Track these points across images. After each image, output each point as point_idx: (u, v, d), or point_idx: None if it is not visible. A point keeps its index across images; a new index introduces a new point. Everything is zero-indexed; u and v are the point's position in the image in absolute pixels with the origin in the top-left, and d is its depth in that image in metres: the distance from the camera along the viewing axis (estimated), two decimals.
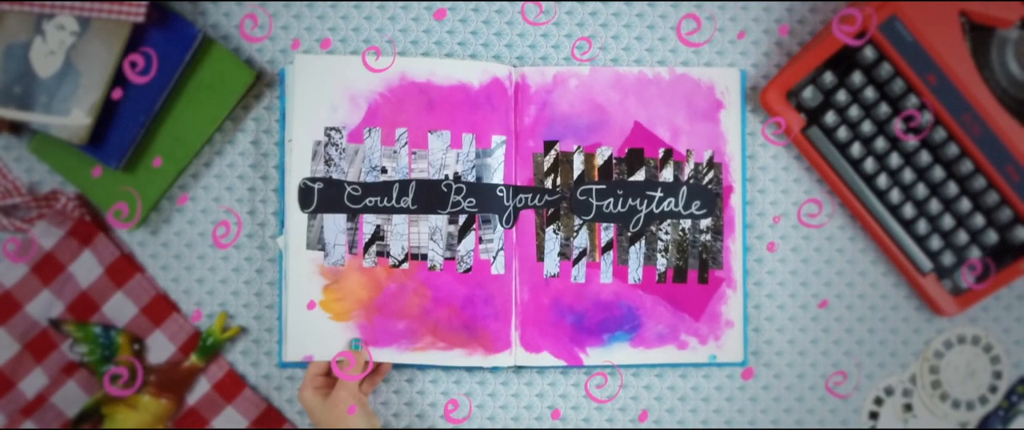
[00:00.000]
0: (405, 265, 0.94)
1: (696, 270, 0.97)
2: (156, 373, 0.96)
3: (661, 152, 0.97)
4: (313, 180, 0.93)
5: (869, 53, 0.93)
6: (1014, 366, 1.02)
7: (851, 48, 0.94)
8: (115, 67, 0.90)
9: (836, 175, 0.97)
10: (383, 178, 0.94)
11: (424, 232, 0.94)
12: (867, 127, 0.95)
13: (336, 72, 0.93)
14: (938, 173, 0.96)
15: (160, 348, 0.96)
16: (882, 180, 0.96)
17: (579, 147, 0.97)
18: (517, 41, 0.98)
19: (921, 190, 0.96)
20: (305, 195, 0.93)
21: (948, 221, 0.96)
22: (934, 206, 0.96)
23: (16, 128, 0.95)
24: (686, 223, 0.97)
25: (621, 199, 0.97)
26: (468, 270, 0.94)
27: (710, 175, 0.97)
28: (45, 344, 0.95)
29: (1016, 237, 0.96)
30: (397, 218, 0.94)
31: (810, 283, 1.00)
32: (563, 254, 0.96)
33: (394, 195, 0.94)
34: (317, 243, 0.93)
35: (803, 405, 1.00)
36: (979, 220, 0.96)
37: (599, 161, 0.97)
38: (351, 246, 0.93)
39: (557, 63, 0.98)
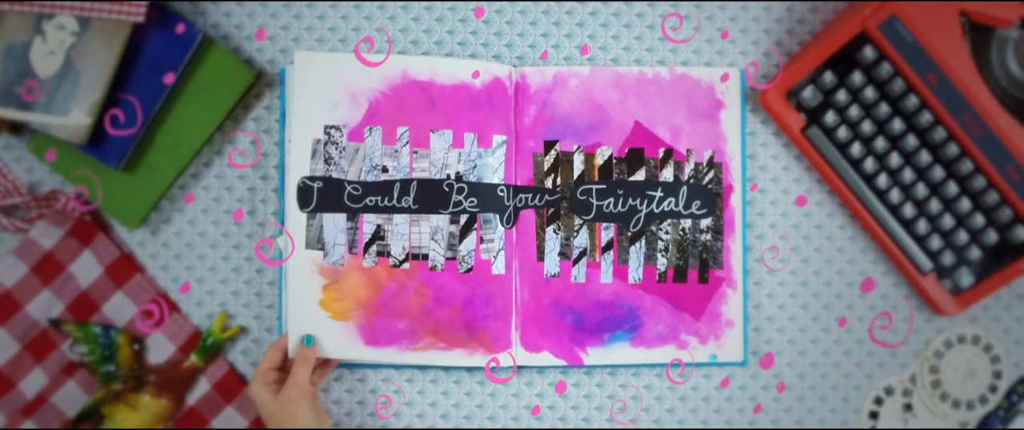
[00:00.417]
0: (406, 265, 0.94)
1: (696, 270, 0.97)
2: (156, 373, 0.95)
3: (661, 152, 0.97)
4: (312, 179, 0.93)
5: (869, 53, 0.94)
6: (1014, 366, 1.02)
7: (851, 48, 0.94)
8: (115, 67, 0.90)
9: (836, 175, 0.97)
10: (384, 177, 0.94)
11: (425, 232, 0.94)
12: (867, 127, 0.96)
13: (336, 70, 0.93)
14: (938, 173, 0.96)
15: (160, 348, 0.96)
16: (882, 180, 0.96)
17: (579, 147, 0.97)
18: (517, 41, 0.98)
19: (921, 190, 0.96)
20: (304, 194, 0.93)
21: (948, 221, 0.97)
22: (934, 206, 0.96)
23: (16, 128, 0.95)
24: (686, 223, 0.97)
25: (621, 199, 0.97)
26: (469, 270, 0.94)
27: (710, 175, 0.98)
28: (45, 344, 0.95)
29: (1016, 237, 0.96)
30: (398, 218, 0.94)
31: (810, 283, 1.00)
32: (563, 254, 0.96)
33: (395, 194, 0.94)
34: (317, 242, 0.93)
35: (803, 405, 1.00)
36: (979, 220, 0.96)
37: (599, 161, 0.97)
38: (351, 246, 0.93)
39: (557, 63, 0.98)
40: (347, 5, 0.97)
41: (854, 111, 0.95)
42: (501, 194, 0.95)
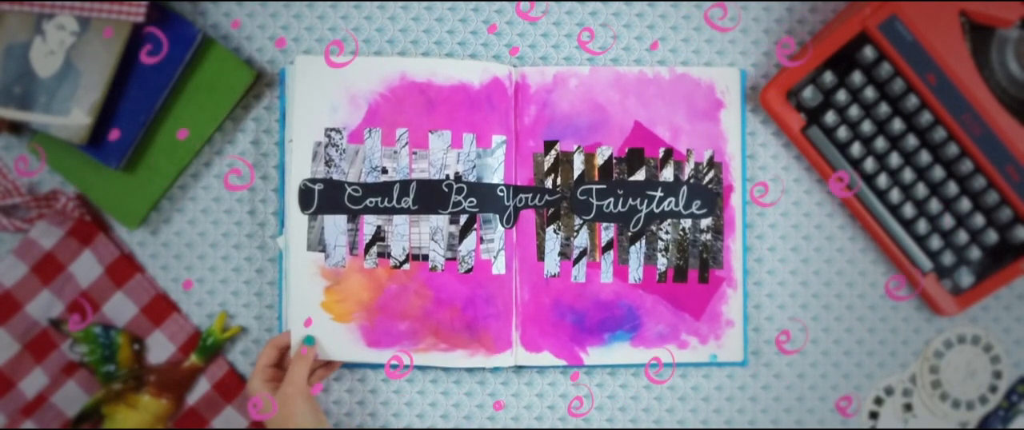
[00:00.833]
0: (406, 266, 0.94)
1: (696, 270, 0.97)
2: (156, 373, 0.95)
3: (661, 152, 0.97)
4: (313, 181, 0.93)
5: (869, 53, 0.94)
6: (1014, 366, 1.02)
7: (851, 48, 0.94)
8: (115, 67, 0.90)
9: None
10: (384, 178, 0.94)
11: (425, 232, 0.94)
12: (867, 127, 0.96)
13: (336, 72, 0.93)
14: (938, 173, 0.96)
15: (160, 348, 0.96)
16: (882, 180, 0.96)
17: (579, 147, 0.97)
18: (517, 41, 0.98)
19: (921, 190, 0.96)
20: (305, 196, 0.93)
21: (948, 221, 0.97)
22: (934, 206, 0.96)
23: (16, 128, 0.95)
24: (686, 223, 0.97)
25: (621, 199, 0.97)
26: (469, 270, 0.94)
27: (710, 175, 0.98)
28: (45, 344, 0.95)
29: (1016, 237, 0.96)
30: (398, 219, 0.94)
31: (810, 283, 1.00)
32: (563, 254, 0.96)
33: (395, 195, 0.94)
34: (318, 244, 0.93)
35: (803, 405, 1.00)
36: (979, 220, 0.96)
37: (599, 161, 0.97)
38: (352, 247, 0.93)
39: (557, 63, 0.98)
40: (347, 5, 0.97)
41: (854, 111, 0.95)
42: (501, 194, 0.95)
